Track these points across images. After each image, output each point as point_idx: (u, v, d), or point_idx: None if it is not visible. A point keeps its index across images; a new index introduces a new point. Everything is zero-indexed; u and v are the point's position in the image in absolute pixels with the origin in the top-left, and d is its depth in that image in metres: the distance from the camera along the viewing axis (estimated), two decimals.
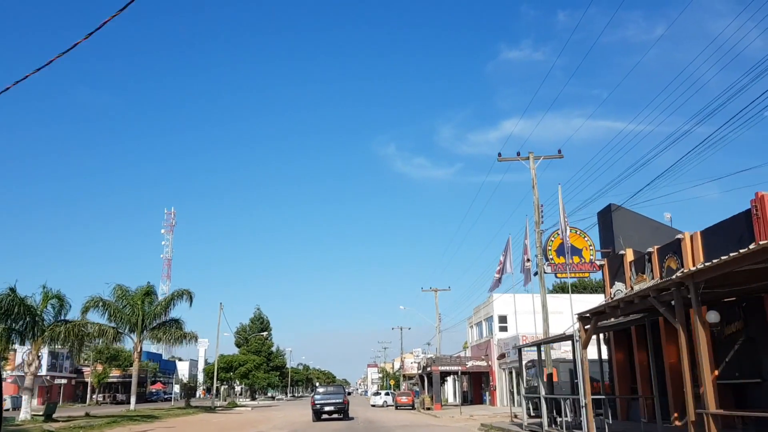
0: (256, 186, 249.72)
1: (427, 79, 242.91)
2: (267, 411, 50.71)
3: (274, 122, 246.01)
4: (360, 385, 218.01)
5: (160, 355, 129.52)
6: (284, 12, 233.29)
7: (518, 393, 46.13)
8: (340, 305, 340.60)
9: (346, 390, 49.35)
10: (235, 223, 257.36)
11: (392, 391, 74.45)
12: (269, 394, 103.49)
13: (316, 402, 35.72)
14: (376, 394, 69.49)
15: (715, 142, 16.81)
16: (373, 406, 66.82)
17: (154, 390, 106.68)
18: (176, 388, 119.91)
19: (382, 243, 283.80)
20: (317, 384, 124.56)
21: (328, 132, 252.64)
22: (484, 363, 50.81)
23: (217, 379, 53.71)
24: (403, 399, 57.39)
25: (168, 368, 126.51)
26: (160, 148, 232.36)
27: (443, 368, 50.80)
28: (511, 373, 47.16)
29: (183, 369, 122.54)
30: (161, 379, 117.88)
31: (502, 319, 50.91)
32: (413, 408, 56.76)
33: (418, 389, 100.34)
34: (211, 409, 50.71)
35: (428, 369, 53.12)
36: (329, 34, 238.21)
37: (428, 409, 50.34)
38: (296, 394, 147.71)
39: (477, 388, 57.06)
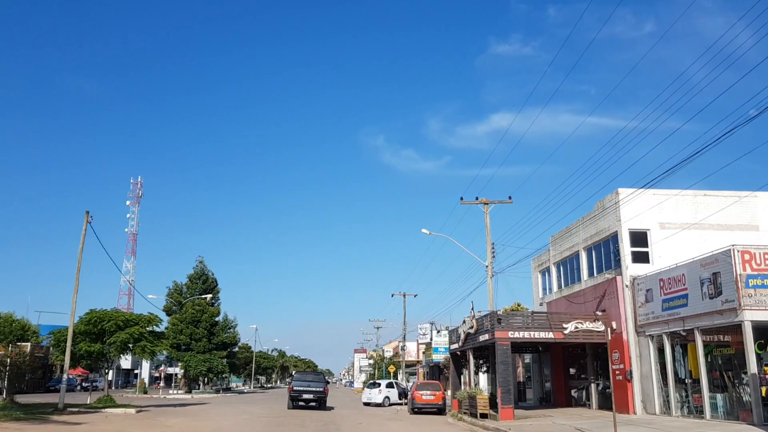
0: (240, 175, 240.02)
1: (417, 72, 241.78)
2: (162, 419, 25.05)
3: (264, 110, 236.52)
4: (344, 375, 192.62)
5: None
6: (276, 1, 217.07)
7: (717, 386, 20.65)
8: (323, 294, 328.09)
9: (327, 379, 39.62)
10: (213, 211, 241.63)
11: (398, 381, 48.81)
12: (223, 385, 77.36)
13: (295, 388, 33.01)
14: (373, 385, 43.77)
15: None
16: (368, 404, 41.32)
17: (71, 376, 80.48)
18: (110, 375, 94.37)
19: (369, 234, 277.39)
20: (294, 372, 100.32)
21: (317, 121, 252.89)
22: (597, 326, 25.22)
23: (78, 354, 27.84)
24: (426, 395, 31.55)
25: None
26: (136, 139, 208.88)
27: (519, 335, 25.15)
28: (687, 345, 21.71)
29: None
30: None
31: (638, 239, 25.45)
32: (443, 412, 31.38)
33: (414, 380, 74.83)
34: (49, 413, 24.90)
35: (479, 338, 27.54)
36: (321, 25, 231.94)
37: (483, 416, 24.99)
38: (267, 385, 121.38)
39: (560, 375, 31.59)
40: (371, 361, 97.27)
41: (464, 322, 30.20)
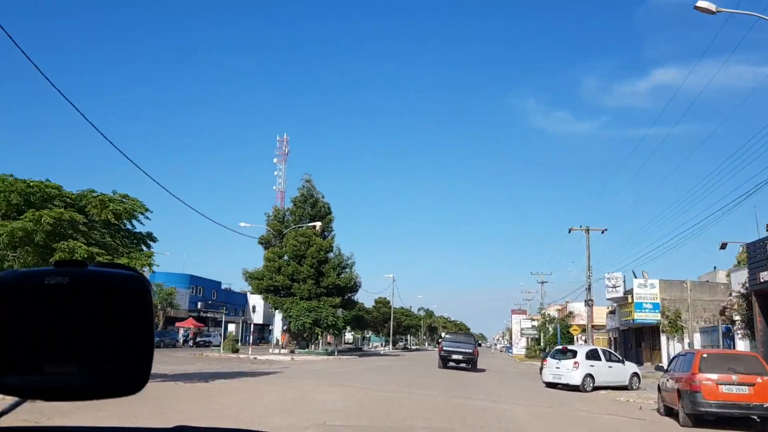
0: (387, 141, 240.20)
1: (570, 27, 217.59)
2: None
3: (413, 74, 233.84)
4: (499, 339, 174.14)
5: (219, 282, 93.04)
6: None
7: None
8: (475, 262, 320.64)
9: (478, 341, 38.94)
10: (365, 177, 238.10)
11: (609, 350, 29.90)
12: (353, 345, 62.78)
13: (444, 348, 33.16)
14: (561, 354, 25.33)
15: None
16: (553, 385, 23.40)
17: (179, 328, 69.42)
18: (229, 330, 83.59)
19: (517, 201, 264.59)
20: (443, 333, 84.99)
21: (464, 85, 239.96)
22: None
23: None
24: (735, 387, 13.15)
25: (233, 301, 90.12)
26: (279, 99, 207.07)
27: None
28: None
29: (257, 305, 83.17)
30: (209, 314, 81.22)
31: None
32: None
33: (618, 347, 55.08)
34: None
35: None
36: None
37: None
38: (412, 347, 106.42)
39: None
40: (535, 323, 78.59)
41: None
